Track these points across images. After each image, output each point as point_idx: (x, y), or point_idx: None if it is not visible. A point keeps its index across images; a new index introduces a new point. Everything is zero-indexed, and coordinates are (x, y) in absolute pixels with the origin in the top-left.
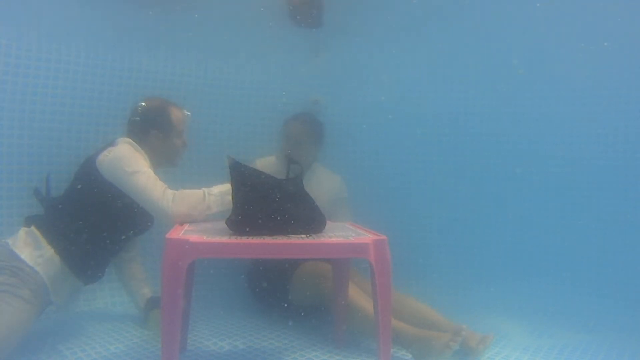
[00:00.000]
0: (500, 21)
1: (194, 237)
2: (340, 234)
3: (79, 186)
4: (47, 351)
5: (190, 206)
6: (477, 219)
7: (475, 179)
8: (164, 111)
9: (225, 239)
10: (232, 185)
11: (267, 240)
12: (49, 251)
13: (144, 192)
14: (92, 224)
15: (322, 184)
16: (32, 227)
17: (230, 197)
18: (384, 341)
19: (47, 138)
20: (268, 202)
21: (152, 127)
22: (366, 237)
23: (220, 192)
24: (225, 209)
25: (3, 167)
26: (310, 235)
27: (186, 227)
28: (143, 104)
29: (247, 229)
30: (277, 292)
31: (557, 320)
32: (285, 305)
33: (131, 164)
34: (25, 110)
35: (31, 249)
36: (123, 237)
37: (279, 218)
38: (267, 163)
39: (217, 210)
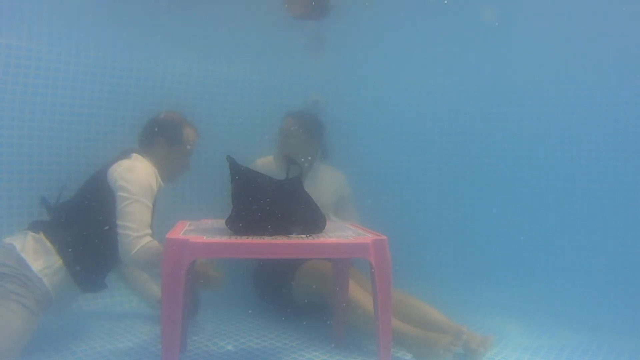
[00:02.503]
0: (500, 20)
1: (194, 238)
2: (340, 234)
3: (90, 196)
4: (48, 351)
5: (151, 261)
6: (477, 219)
7: (475, 179)
8: (178, 126)
9: (225, 239)
10: (232, 185)
11: (267, 240)
12: (57, 262)
13: (126, 221)
14: (101, 234)
15: (325, 182)
16: (41, 234)
17: None
18: (383, 341)
19: (46, 138)
20: (268, 203)
21: (160, 135)
22: (366, 237)
23: None
24: None
25: (3, 166)
26: (310, 235)
27: (186, 227)
28: (162, 115)
29: (247, 229)
30: (279, 291)
31: (557, 320)
32: (287, 304)
33: (134, 187)
34: (25, 110)
35: (41, 259)
36: None
37: (278, 218)
38: (267, 162)
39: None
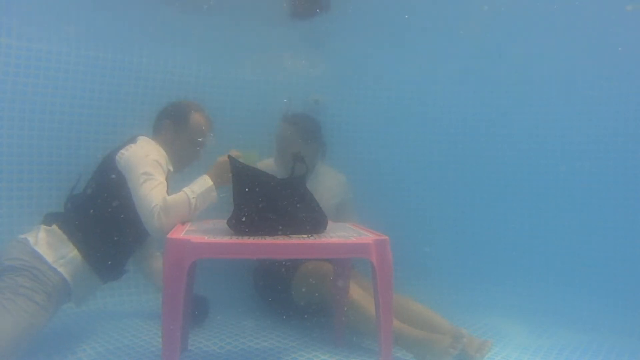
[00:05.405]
0: (500, 21)
1: (195, 238)
2: (342, 234)
3: (100, 183)
4: (48, 351)
5: (178, 216)
6: (477, 219)
7: (475, 179)
8: (185, 110)
9: (226, 240)
10: (233, 185)
11: (268, 240)
12: (72, 251)
13: (142, 199)
14: (114, 220)
15: (327, 185)
16: (54, 226)
17: (213, 193)
18: (385, 341)
19: (47, 138)
20: (270, 202)
21: (167, 118)
22: (367, 237)
23: (201, 193)
24: (210, 204)
25: (13, 166)
26: (311, 236)
27: (187, 227)
28: (175, 101)
29: (249, 230)
30: (280, 291)
31: (557, 320)
32: (288, 304)
33: (145, 165)
34: (25, 110)
35: (54, 250)
36: (142, 232)
37: (280, 218)
38: (267, 166)
39: (203, 209)
